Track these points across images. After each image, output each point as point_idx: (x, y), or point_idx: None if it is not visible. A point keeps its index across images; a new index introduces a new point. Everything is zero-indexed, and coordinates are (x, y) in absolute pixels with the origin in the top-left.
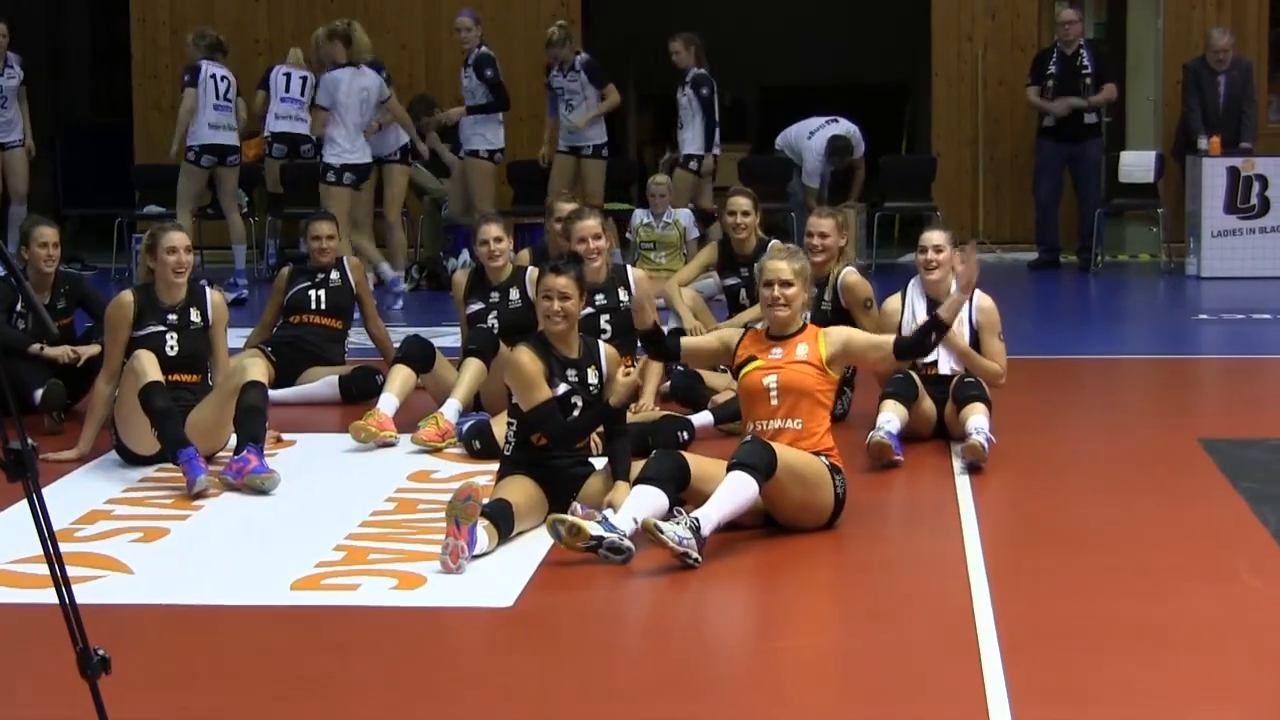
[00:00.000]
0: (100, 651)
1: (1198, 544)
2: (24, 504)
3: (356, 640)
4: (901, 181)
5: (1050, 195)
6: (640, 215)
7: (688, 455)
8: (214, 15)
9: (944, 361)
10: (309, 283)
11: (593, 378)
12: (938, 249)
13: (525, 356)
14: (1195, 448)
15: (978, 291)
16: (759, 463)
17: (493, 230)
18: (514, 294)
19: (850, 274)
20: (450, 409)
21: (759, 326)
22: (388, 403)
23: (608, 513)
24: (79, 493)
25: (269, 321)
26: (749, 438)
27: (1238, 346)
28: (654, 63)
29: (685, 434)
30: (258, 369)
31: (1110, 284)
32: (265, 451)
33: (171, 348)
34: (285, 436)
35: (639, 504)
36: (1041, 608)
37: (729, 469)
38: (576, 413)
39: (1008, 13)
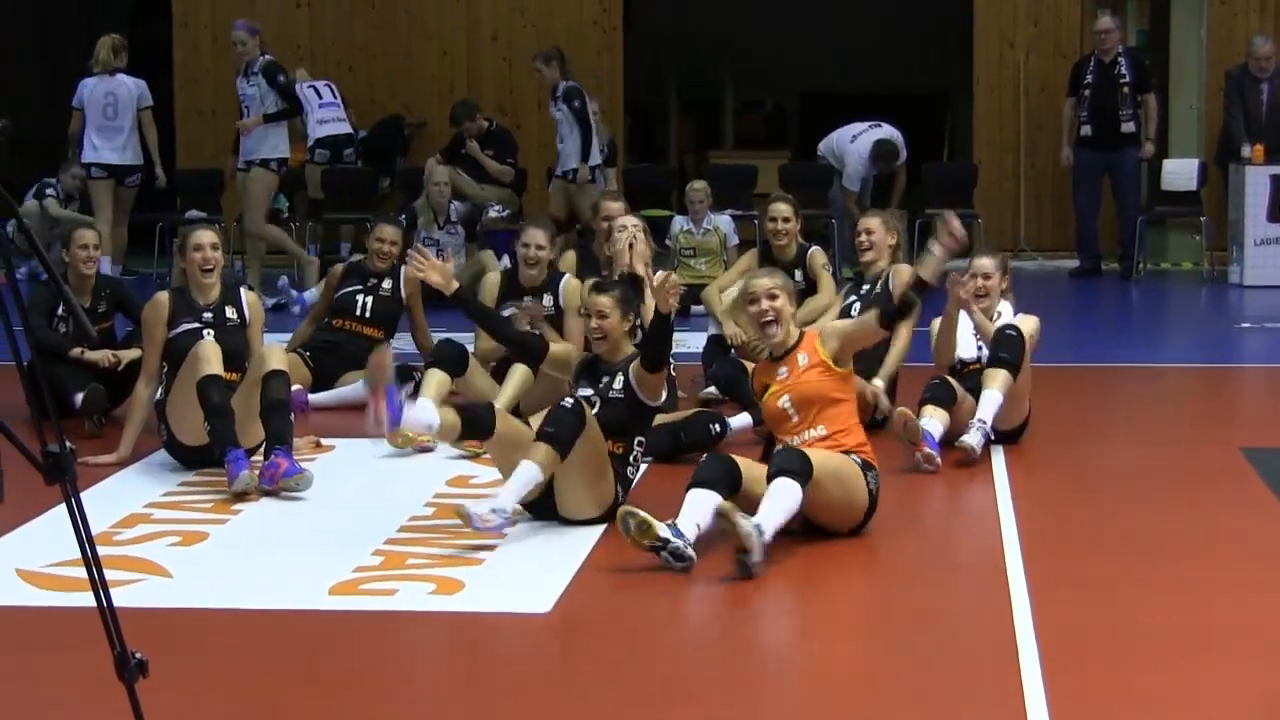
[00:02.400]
0: (138, 654)
1: (1239, 554)
2: (63, 507)
3: (393, 646)
4: (942, 189)
5: (1089, 203)
6: (680, 222)
7: (735, 457)
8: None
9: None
10: (360, 286)
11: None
12: (986, 276)
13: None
14: (1238, 457)
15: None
16: (798, 468)
17: (537, 237)
18: (547, 300)
19: (902, 269)
20: None
21: (763, 356)
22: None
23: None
24: (118, 496)
25: (319, 313)
26: (781, 447)
27: None
28: (694, 70)
29: (717, 426)
30: (277, 356)
31: (1152, 292)
32: (303, 456)
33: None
34: (324, 441)
35: (697, 510)
36: (1082, 617)
37: (770, 477)
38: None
39: (1050, 18)
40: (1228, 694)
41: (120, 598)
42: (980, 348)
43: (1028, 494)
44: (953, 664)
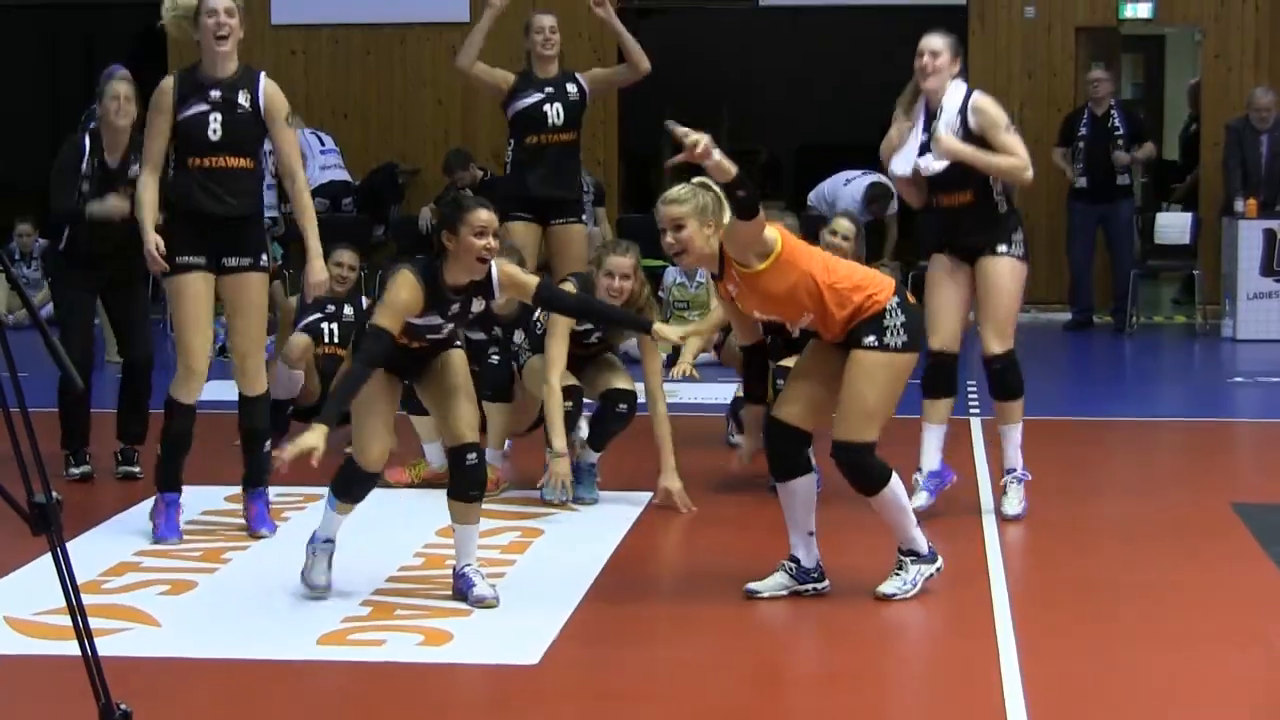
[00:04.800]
0: (123, 706)
1: (1228, 610)
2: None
3: (381, 697)
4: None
5: (1083, 256)
6: (673, 274)
7: (786, 408)
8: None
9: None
10: (321, 314)
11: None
12: (935, 54)
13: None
14: (1228, 512)
15: (975, 92)
16: (873, 483)
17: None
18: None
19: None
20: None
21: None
22: (435, 453)
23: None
24: (108, 544)
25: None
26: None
27: (1273, 410)
28: (690, 119)
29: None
30: (259, 376)
31: (1145, 345)
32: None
33: (214, 130)
34: (313, 491)
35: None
36: (1070, 671)
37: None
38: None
39: (1044, 72)
40: None
41: (107, 647)
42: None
43: (1017, 547)
44: (939, 718)
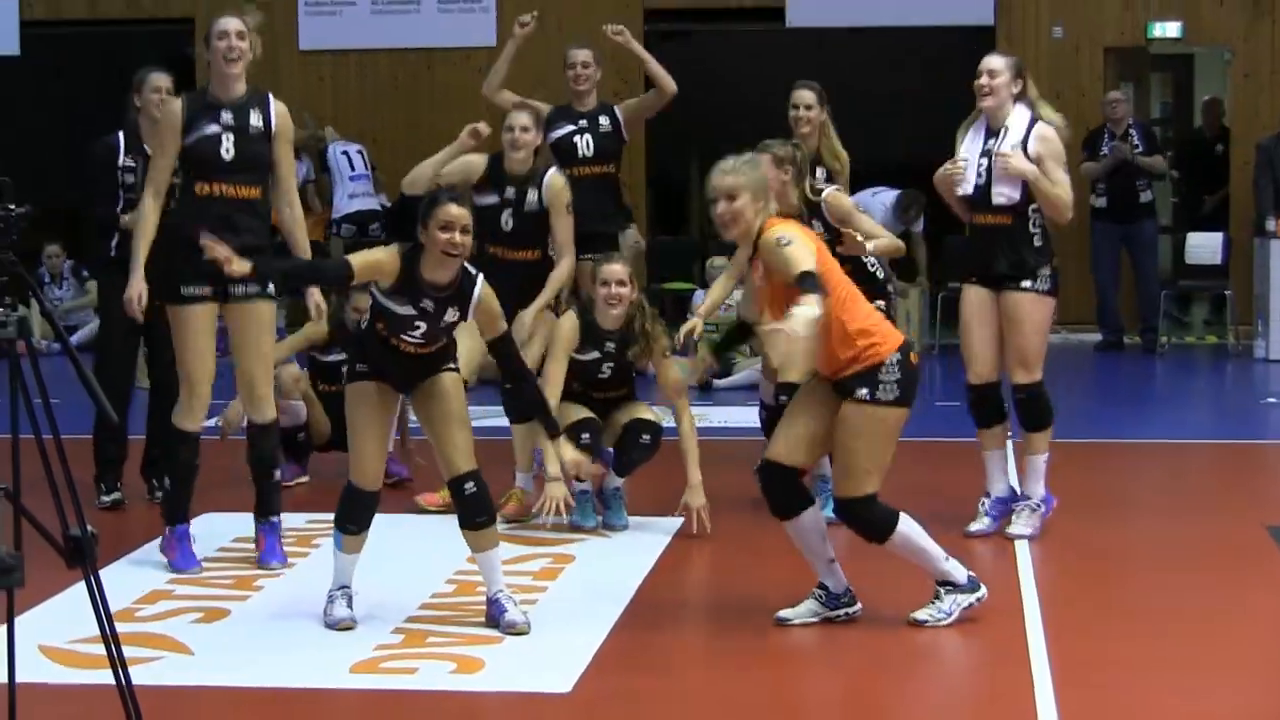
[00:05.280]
0: None
1: (1264, 636)
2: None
3: None
4: (965, 261)
5: (1109, 277)
6: (701, 296)
7: (777, 447)
8: (275, 95)
9: (1000, 191)
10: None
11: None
12: (992, 74)
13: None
14: (1263, 535)
15: (1041, 122)
16: (878, 532)
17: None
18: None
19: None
20: (523, 480)
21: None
22: (524, 482)
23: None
24: (141, 571)
25: (281, 360)
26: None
27: None
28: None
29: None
30: (268, 401)
31: (1176, 366)
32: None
33: (227, 150)
34: None
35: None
36: (1105, 701)
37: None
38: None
39: (1072, 92)
40: None
41: (140, 675)
42: (980, 175)
43: (1050, 572)
44: None
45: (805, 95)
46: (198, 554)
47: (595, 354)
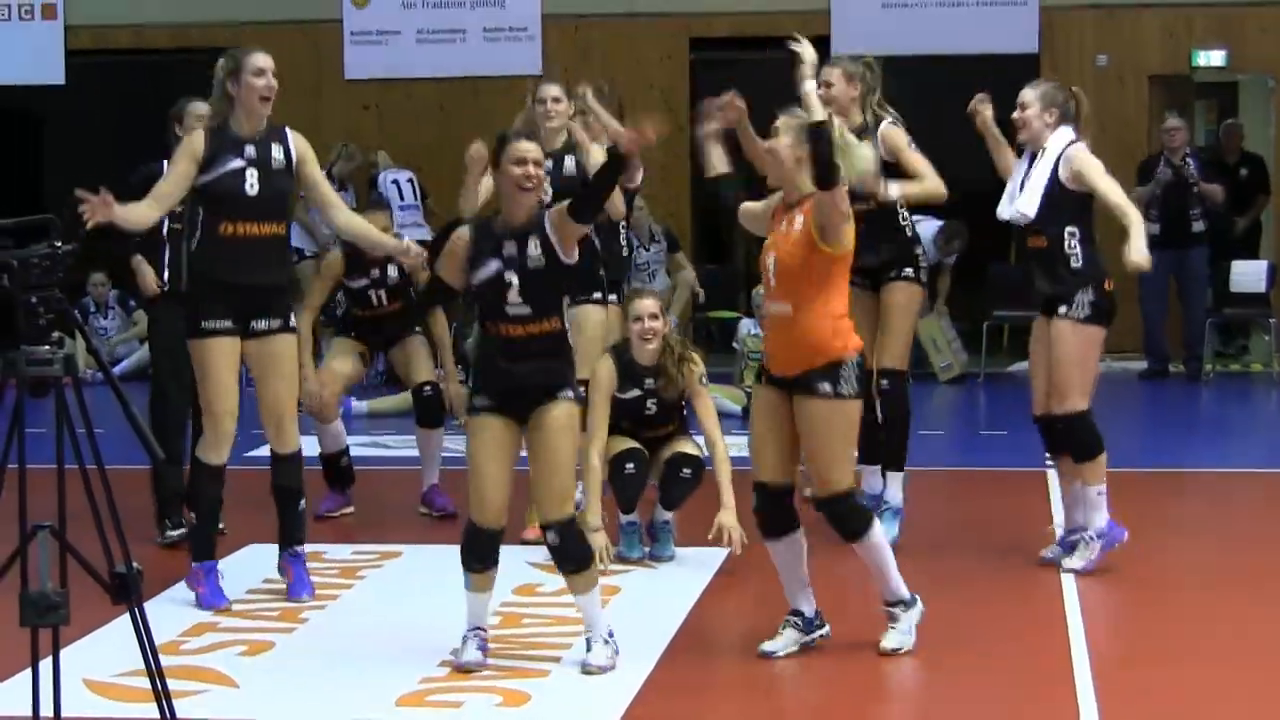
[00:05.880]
0: None
1: None
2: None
3: None
4: (1008, 290)
5: (1157, 305)
6: (748, 325)
7: (764, 472)
8: (321, 124)
9: (1018, 211)
10: (366, 281)
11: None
12: (1024, 107)
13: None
14: None
15: (1075, 144)
16: (857, 529)
17: (552, 90)
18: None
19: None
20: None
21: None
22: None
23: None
24: (187, 605)
25: (316, 306)
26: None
27: None
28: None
29: (688, 471)
30: (292, 433)
31: (1221, 394)
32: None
33: (251, 186)
34: (390, 548)
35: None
36: None
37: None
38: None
39: (1115, 123)
40: None
41: (186, 709)
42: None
43: (1097, 601)
44: None
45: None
46: (242, 586)
47: (637, 391)
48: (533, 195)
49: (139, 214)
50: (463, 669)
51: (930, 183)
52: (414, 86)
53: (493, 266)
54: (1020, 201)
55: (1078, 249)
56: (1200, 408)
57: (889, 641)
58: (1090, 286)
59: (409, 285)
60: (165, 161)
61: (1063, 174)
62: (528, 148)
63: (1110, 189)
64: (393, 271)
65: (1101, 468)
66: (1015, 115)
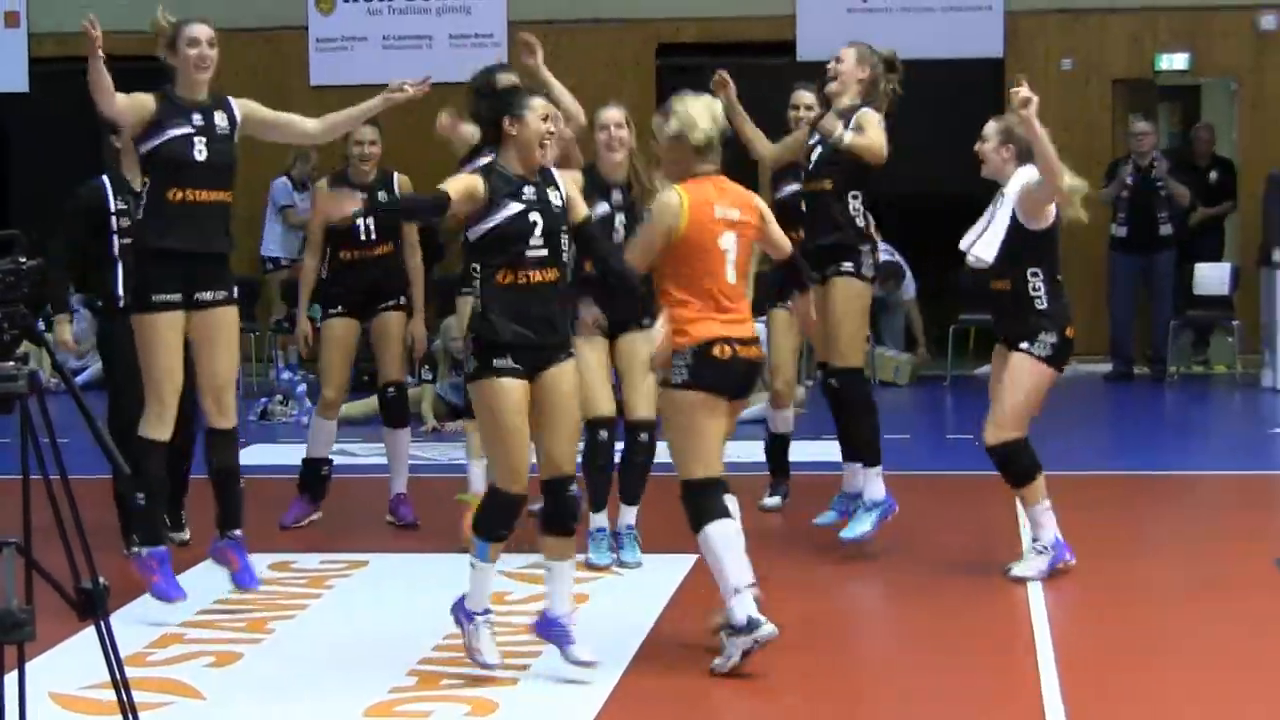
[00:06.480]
0: None
1: (1273, 669)
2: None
3: None
4: (980, 295)
5: (1124, 307)
6: None
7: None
8: None
9: (975, 256)
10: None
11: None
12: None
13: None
14: (1272, 570)
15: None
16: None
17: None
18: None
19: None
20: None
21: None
22: (479, 475)
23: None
24: (154, 615)
25: (318, 243)
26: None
27: None
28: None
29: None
30: (230, 406)
31: (1185, 397)
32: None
33: (200, 151)
34: (358, 556)
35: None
36: None
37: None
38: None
39: (1080, 126)
40: None
41: None
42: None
43: (1063, 605)
44: None
45: (805, 96)
46: (209, 596)
47: (605, 208)
48: (550, 151)
49: (108, 89)
50: (488, 666)
51: (875, 140)
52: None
53: (516, 206)
54: (979, 246)
55: (1042, 289)
56: (1165, 410)
57: (715, 662)
58: (1054, 330)
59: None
60: (104, 178)
61: (1020, 212)
62: (544, 104)
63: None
64: (383, 199)
65: (1038, 488)
66: (976, 147)
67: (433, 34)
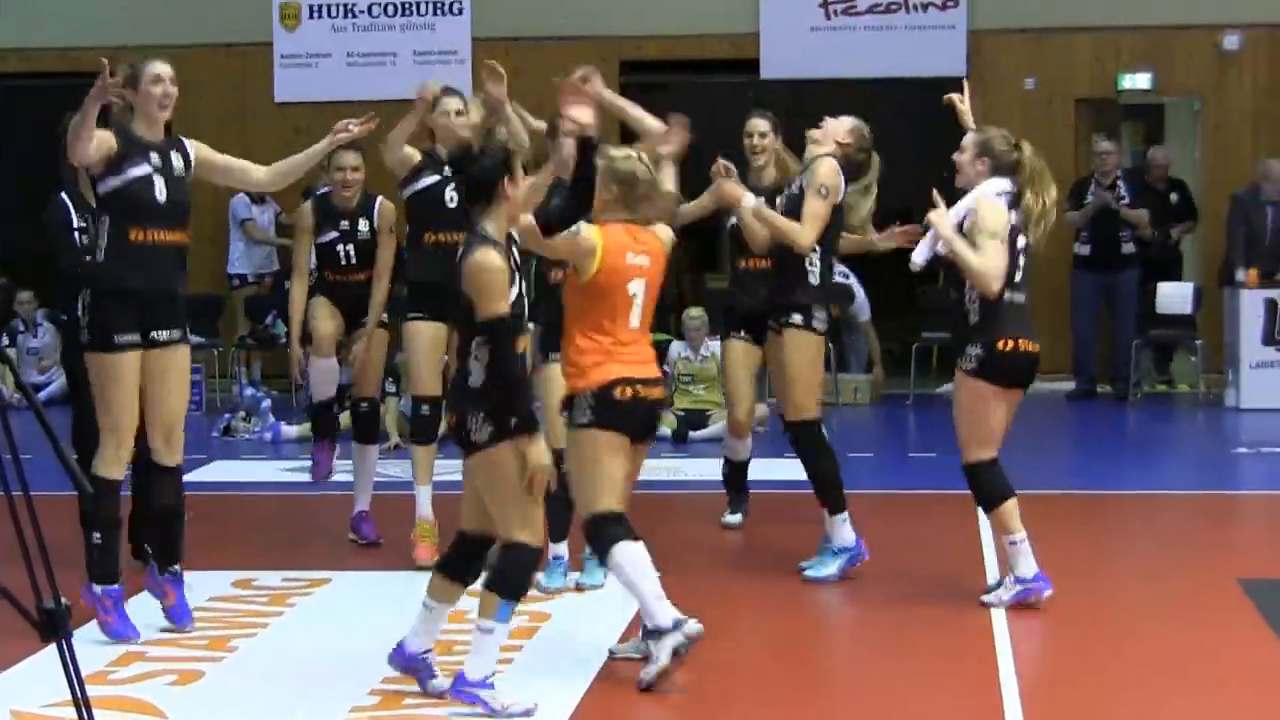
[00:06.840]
0: None
1: (1234, 689)
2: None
3: None
4: (940, 312)
5: (1087, 326)
6: (678, 348)
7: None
8: (251, 147)
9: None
10: (336, 234)
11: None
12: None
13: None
14: (1234, 588)
15: (987, 196)
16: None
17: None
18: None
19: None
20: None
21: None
22: (425, 499)
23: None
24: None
25: (304, 266)
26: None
27: (1278, 482)
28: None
29: None
30: (177, 443)
31: (1148, 416)
32: None
33: (160, 192)
34: (320, 574)
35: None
36: None
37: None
38: None
39: (1043, 146)
40: None
41: None
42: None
43: (1023, 623)
44: None
45: (759, 124)
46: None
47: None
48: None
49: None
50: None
51: (786, 226)
52: (345, 109)
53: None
54: (917, 249)
55: (976, 303)
56: (1127, 429)
57: (643, 674)
58: (980, 342)
59: (376, 245)
60: (64, 194)
61: (966, 225)
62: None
63: (966, 253)
64: (363, 226)
65: (1008, 516)
66: (954, 156)
67: (397, 50)
